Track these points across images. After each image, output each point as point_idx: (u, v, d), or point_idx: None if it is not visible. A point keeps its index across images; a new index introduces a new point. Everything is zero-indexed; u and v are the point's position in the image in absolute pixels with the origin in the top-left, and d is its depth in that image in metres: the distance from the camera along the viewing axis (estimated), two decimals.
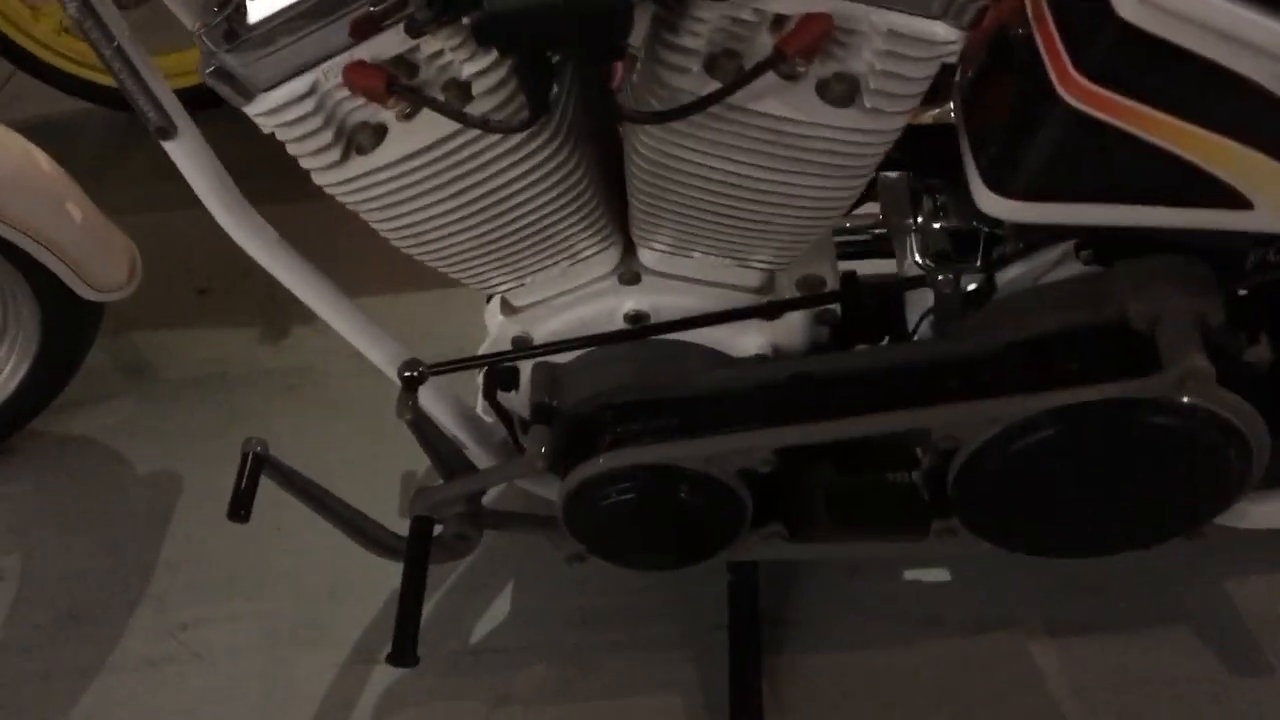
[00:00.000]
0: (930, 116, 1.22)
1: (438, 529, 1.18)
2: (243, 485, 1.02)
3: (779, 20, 0.82)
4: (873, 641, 1.29)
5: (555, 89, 0.87)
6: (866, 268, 1.20)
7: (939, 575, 1.34)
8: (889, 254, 1.17)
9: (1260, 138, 0.84)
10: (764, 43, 0.83)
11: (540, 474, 1.06)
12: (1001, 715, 1.22)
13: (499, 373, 1.11)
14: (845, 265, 1.19)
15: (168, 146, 0.92)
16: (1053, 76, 0.86)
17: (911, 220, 1.13)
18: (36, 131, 1.47)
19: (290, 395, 1.71)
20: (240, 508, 1.01)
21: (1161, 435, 0.97)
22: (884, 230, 1.20)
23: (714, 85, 0.84)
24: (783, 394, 1.04)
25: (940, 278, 1.02)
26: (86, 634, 1.43)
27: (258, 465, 1.03)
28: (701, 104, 0.83)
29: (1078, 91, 0.84)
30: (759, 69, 0.82)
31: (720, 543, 1.13)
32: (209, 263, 1.90)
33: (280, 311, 1.80)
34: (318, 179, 0.92)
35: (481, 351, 1.13)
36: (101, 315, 1.59)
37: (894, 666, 1.27)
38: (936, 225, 1.09)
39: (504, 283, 1.07)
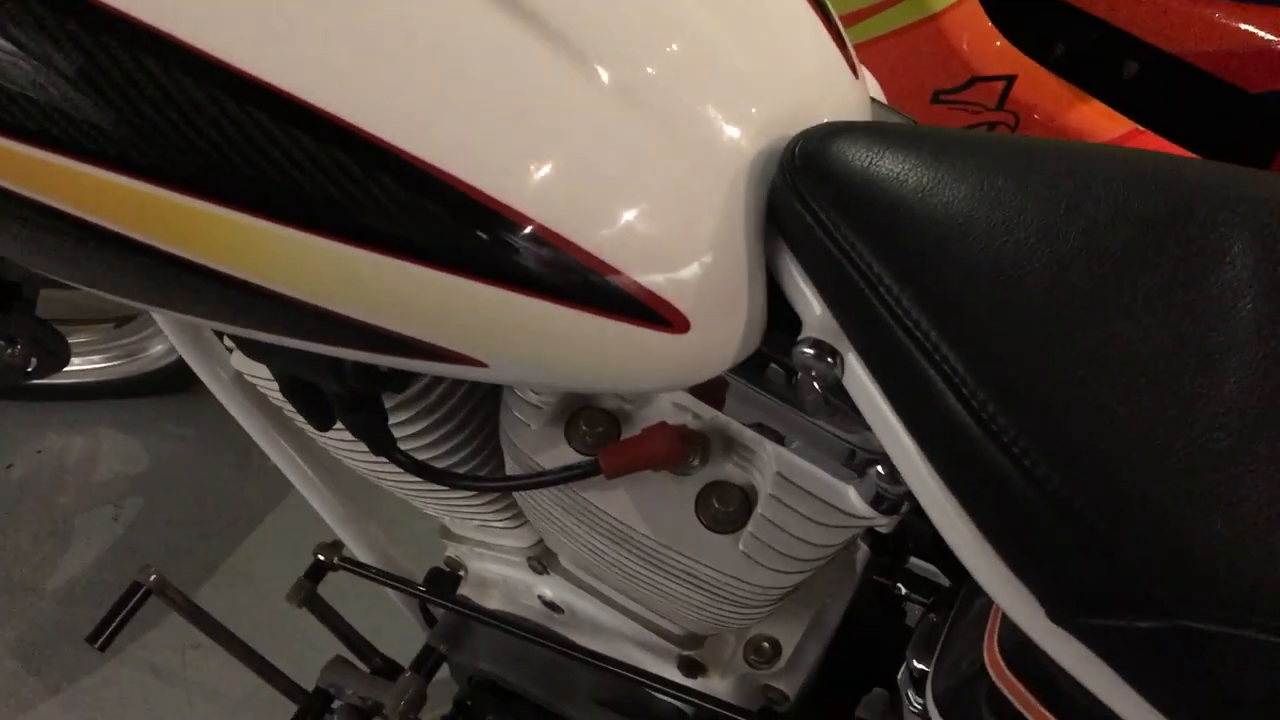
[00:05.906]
0: None
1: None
2: (118, 617, 0.95)
3: None
4: None
5: None
6: None
7: None
8: None
9: None
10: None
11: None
12: None
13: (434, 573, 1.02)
14: None
15: None
16: (985, 639, 0.62)
17: None
18: None
19: None
20: (99, 635, 0.96)
21: None
22: None
23: (562, 448, 0.67)
24: None
25: None
26: None
27: (141, 597, 0.97)
28: (505, 485, 0.67)
29: (996, 668, 0.60)
30: (573, 475, 0.64)
31: None
32: None
33: None
34: None
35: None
36: None
37: None
38: None
39: (432, 510, 0.96)
